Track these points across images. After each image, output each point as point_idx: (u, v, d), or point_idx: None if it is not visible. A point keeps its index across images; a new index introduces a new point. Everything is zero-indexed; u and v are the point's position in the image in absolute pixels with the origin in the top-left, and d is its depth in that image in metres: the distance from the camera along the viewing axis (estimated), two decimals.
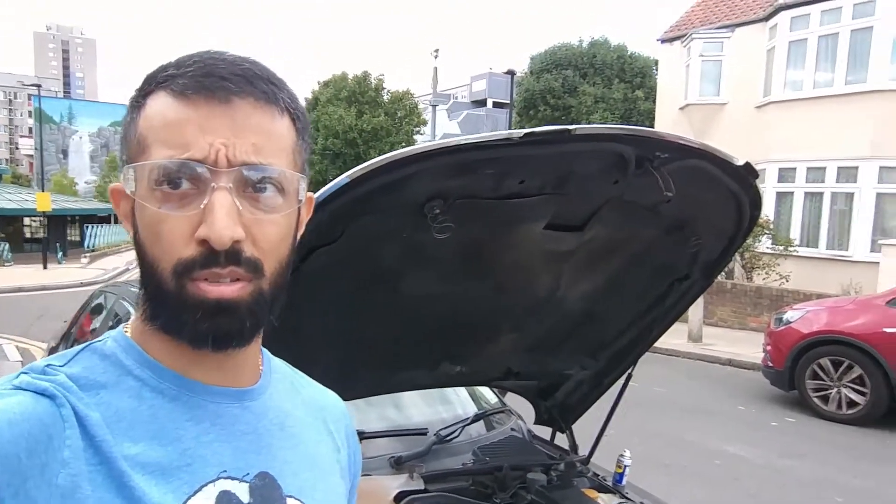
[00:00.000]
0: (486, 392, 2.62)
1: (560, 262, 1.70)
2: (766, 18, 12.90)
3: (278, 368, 0.73)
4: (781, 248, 11.49)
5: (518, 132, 1.14)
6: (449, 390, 2.45)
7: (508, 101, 20.20)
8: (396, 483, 1.74)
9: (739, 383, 7.59)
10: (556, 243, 1.60)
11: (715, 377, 7.96)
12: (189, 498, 0.56)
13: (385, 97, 28.49)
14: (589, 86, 22.30)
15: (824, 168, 11.82)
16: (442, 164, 1.17)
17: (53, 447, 0.50)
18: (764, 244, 11.64)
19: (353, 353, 1.62)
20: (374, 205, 1.19)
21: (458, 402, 2.46)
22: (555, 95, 22.45)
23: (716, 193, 1.55)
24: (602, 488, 2.05)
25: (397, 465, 1.83)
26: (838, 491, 4.50)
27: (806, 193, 12.17)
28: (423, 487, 1.77)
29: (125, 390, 0.57)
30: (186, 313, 0.56)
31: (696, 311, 9.68)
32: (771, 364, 6.54)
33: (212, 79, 0.55)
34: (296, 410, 0.71)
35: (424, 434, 2.06)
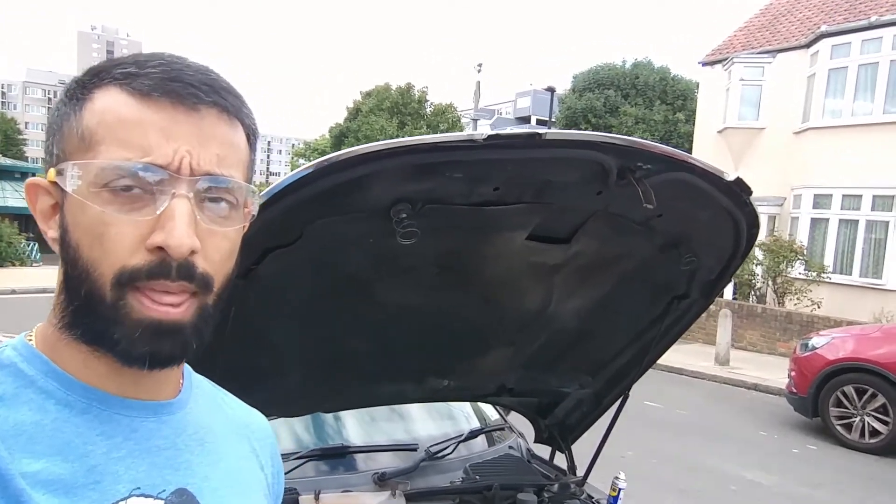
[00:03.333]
0: (489, 409, 2.49)
1: (549, 276, 1.58)
2: (808, 45, 12.58)
3: (200, 384, 0.67)
4: (814, 274, 11.02)
5: (482, 133, 1.04)
6: (453, 406, 2.33)
7: (550, 119, 20.12)
8: (377, 501, 1.63)
9: (763, 408, 7.21)
10: (541, 256, 1.48)
11: (739, 402, 7.58)
12: None
13: (428, 110, 28.48)
14: (630, 106, 22.05)
15: (860, 196, 11.48)
16: (401, 164, 1.06)
17: None
18: (797, 269, 11.21)
19: (331, 363, 1.53)
20: (332, 206, 1.10)
21: (461, 417, 2.34)
22: (596, 114, 22.25)
23: (709, 210, 1.41)
24: None
25: (381, 481, 1.72)
26: None
27: (841, 220, 11.82)
28: None
29: (25, 402, 0.51)
30: (122, 330, 0.51)
31: (724, 333, 9.32)
32: (795, 390, 6.20)
33: (179, 84, 0.52)
34: (217, 426, 0.65)
35: (414, 450, 1.94)
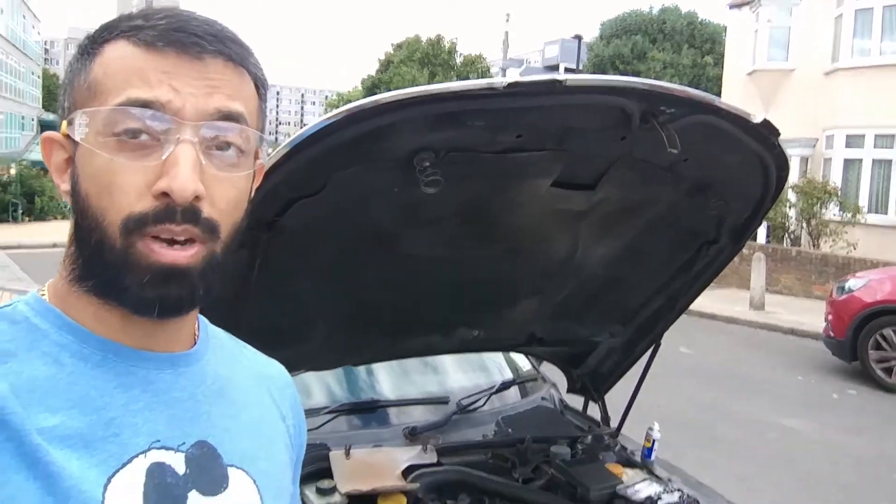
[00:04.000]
0: (522, 359, 2.47)
1: (574, 224, 1.53)
2: None
3: (216, 335, 0.66)
4: (849, 215, 10.69)
5: (502, 81, 1.00)
6: (485, 357, 2.32)
7: (577, 67, 19.87)
8: (407, 456, 1.64)
9: (800, 353, 7.08)
10: (566, 203, 1.43)
11: (775, 347, 7.46)
12: (116, 472, 0.49)
13: (458, 60, 28.36)
14: (658, 51, 21.58)
15: (893, 135, 11.20)
16: (424, 112, 1.04)
17: None
18: (831, 211, 10.89)
19: (357, 316, 1.52)
20: (357, 155, 1.08)
21: (493, 368, 2.33)
22: (624, 61, 21.89)
23: (737, 154, 1.36)
24: (629, 463, 1.88)
25: (411, 436, 1.73)
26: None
27: (874, 160, 11.54)
28: (436, 461, 1.66)
29: (39, 357, 0.51)
30: (131, 276, 0.50)
31: (758, 277, 9.14)
32: (832, 334, 6.08)
33: (184, 34, 0.51)
34: (236, 377, 0.64)
35: (445, 403, 1.94)
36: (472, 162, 1.16)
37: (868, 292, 5.89)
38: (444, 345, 1.77)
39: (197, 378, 0.58)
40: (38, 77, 42.05)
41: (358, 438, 1.66)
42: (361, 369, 1.90)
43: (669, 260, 1.78)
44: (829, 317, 6.17)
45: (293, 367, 1.58)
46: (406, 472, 1.58)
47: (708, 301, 7.79)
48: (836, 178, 11.60)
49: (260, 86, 0.57)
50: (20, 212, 16.23)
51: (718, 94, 14.31)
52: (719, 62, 19.42)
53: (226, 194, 0.53)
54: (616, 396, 2.16)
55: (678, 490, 1.67)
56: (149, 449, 0.52)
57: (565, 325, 1.94)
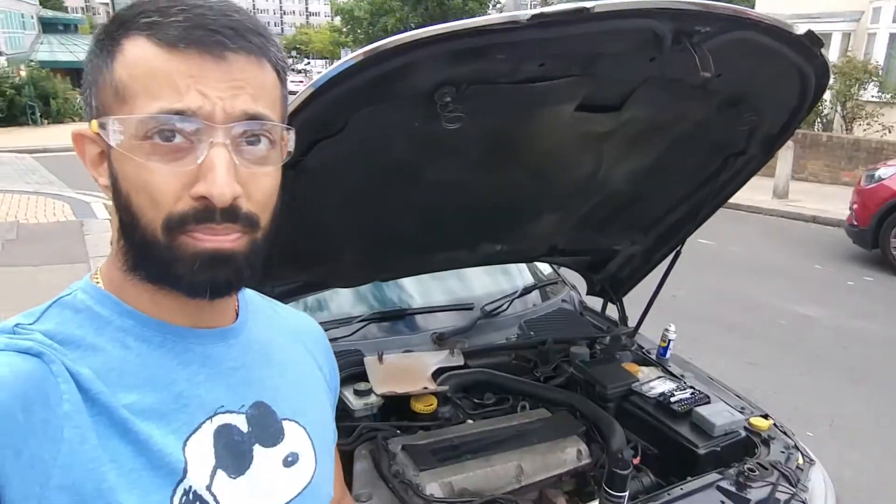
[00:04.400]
0: (544, 265, 2.54)
1: (598, 144, 1.51)
2: None
3: (252, 301, 0.72)
4: (889, 95, 10.06)
5: (525, 14, 0.95)
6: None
7: None
8: (436, 359, 1.76)
9: (821, 242, 7.06)
10: (590, 125, 1.40)
11: (796, 235, 7.44)
12: (191, 435, 0.56)
13: None
14: None
15: None
16: (444, 51, 1.01)
17: (51, 403, 0.49)
18: (870, 92, 10.24)
19: (384, 240, 1.57)
20: (376, 94, 1.07)
21: (516, 274, 2.41)
22: None
23: (775, 66, 1.28)
24: (645, 362, 1.99)
25: (439, 341, 1.84)
26: None
27: None
28: (462, 363, 1.78)
29: (108, 342, 0.55)
30: (182, 266, 0.54)
31: (783, 165, 8.88)
32: (855, 222, 6.00)
33: (203, 32, 0.52)
34: (277, 339, 0.70)
35: (470, 309, 2.04)
36: (493, 93, 1.14)
37: None
38: (468, 259, 1.83)
39: (245, 347, 0.64)
40: None
41: (389, 345, 1.78)
42: (390, 281, 1.98)
43: (695, 173, 1.76)
44: (854, 206, 6.05)
45: (326, 284, 1.68)
46: (435, 375, 1.71)
47: None
48: (879, 56, 10.74)
49: (280, 71, 0.58)
50: (38, 114, 16.11)
51: None
52: None
53: (261, 187, 0.55)
54: (635, 296, 2.24)
55: (690, 387, 1.78)
56: (214, 414, 0.58)
57: (587, 236, 1.97)
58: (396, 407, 1.64)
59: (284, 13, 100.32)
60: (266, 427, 0.63)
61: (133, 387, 0.54)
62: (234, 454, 0.59)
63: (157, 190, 0.52)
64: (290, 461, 0.64)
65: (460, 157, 1.35)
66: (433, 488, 1.34)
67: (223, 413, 0.59)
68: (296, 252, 1.42)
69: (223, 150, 0.52)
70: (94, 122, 0.54)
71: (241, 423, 0.60)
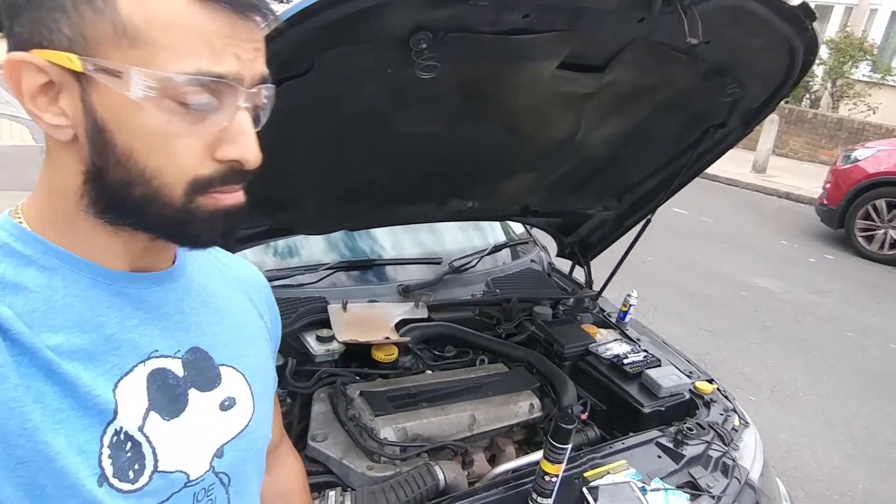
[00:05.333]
0: (517, 224, 2.54)
1: (578, 105, 1.48)
2: None
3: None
4: (880, 76, 10.11)
5: None
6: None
7: None
8: (400, 311, 1.76)
9: (791, 219, 7.21)
10: (571, 85, 1.37)
11: (767, 211, 7.57)
12: (122, 378, 0.54)
13: None
14: None
15: None
16: None
17: None
18: (861, 71, 10.26)
19: (352, 186, 1.53)
20: (345, 35, 1.00)
21: (488, 231, 2.41)
22: None
23: (763, 38, 1.25)
24: (604, 324, 2.03)
25: (405, 293, 1.84)
26: (851, 327, 4.43)
27: None
28: (426, 316, 1.79)
29: (31, 281, 0.52)
30: (201, 224, 0.54)
31: (766, 139, 8.96)
32: (826, 202, 6.14)
33: None
34: (216, 286, 0.69)
35: (438, 263, 2.04)
36: (472, 43, 1.08)
37: (873, 163, 5.82)
38: (437, 214, 1.81)
39: (182, 292, 0.63)
40: None
41: (355, 293, 1.78)
42: (360, 231, 1.96)
43: (674, 141, 1.75)
44: (827, 185, 6.17)
45: (291, 230, 1.66)
46: (398, 326, 1.72)
47: None
48: (877, 34, 10.73)
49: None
50: None
51: None
52: None
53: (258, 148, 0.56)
54: (604, 260, 2.27)
55: (644, 351, 1.83)
56: (148, 358, 0.57)
57: (560, 198, 1.97)
58: (358, 354, 1.65)
59: None
60: (203, 372, 0.62)
61: (59, 328, 0.52)
62: (168, 397, 0.58)
63: (178, 152, 0.50)
64: (227, 405, 0.64)
65: (433, 107, 1.31)
66: (387, 433, 1.37)
67: (157, 357, 0.58)
68: (259, 196, 1.38)
69: (247, 114, 0.52)
70: (73, 57, 0.48)
71: (176, 367, 0.60)
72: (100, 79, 0.48)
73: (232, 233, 0.56)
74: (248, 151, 0.52)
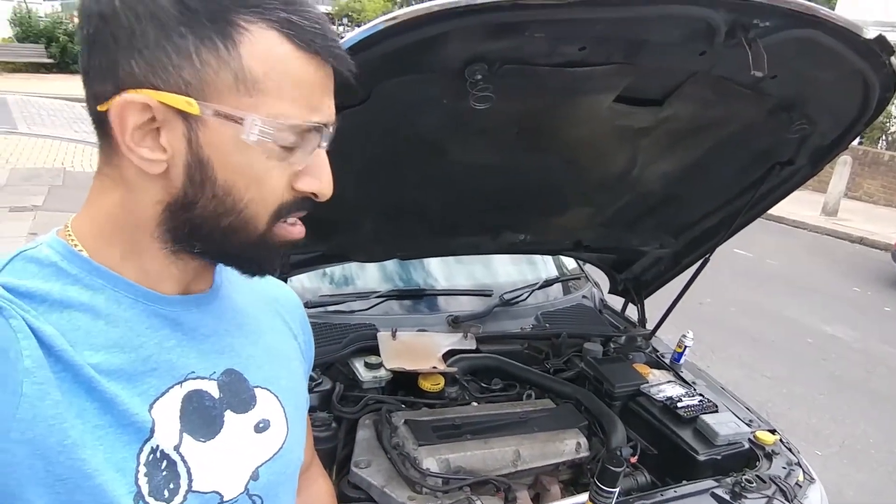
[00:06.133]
0: (569, 259, 2.50)
1: (635, 139, 1.45)
2: None
3: (226, 267, 0.70)
4: None
5: None
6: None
7: None
8: (448, 341, 1.75)
9: (864, 265, 6.79)
10: (629, 119, 1.35)
11: (838, 255, 7.16)
12: (158, 399, 0.55)
13: None
14: None
15: None
16: (478, 23, 0.95)
17: (10, 358, 0.47)
18: None
19: (405, 216, 1.55)
20: (402, 65, 1.02)
21: (539, 264, 2.38)
22: None
23: (835, 72, 1.19)
24: (657, 365, 1.95)
25: (454, 323, 1.83)
26: None
27: None
28: (474, 347, 1.78)
29: (76, 299, 0.53)
30: (276, 254, 0.59)
31: (837, 181, 8.54)
32: None
33: (324, 40, 0.53)
34: (251, 307, 0.70)
35: (489, 296, 2.03)
36: (527, 75, 1.08)
37: None
38: (490, 246, 1.80)
39: (218, 314, 0.64)
40: None
41: (405, 322, 1.78)
42: (412, 260, 1.98)
43: (736, 179, 1.69)
44: None
45: (345, 257, 1.69)
46: (446, 356, 1.71)
47: None
48: None
49: None
50: None
51: None
52: None
53: None
54: (657, 299, 2.20)
55: (699, 395, 1.74)
56: (185, 380, 0.58)
57: (614, 234, 1.93)
58: (404, 383, 1.64)
59: None
60: (238, 393, 0.63)
61: (100, 347, 0.53)
62: (204, 419, 0.59)
63: (272, 185, 0.54)
64: (262, 427, 0.64)
65: (488, 138, 1.31)
66: (430, 463, 1.35)
67: (194, 379, 0.59)
68: (314, 220, 1.41)
69: (324, 152, 0.57)
70: (193, 102, 0.50)
71: (212, 389, 0.60)
72: (215, 122, 0.51)
73: (286, 262, 0.60)
74: (327, 186, 0.57)
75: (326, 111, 0.55)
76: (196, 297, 0.62)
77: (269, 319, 0.72)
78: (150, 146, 0.52)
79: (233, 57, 0.50)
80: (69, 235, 0.57)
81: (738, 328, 4.62)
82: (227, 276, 0.68)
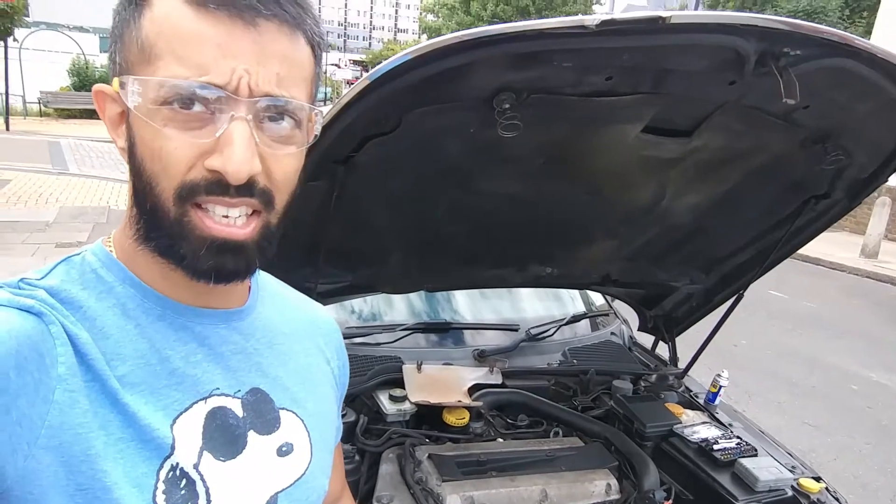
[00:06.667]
0: (597, 295, 2.46)
1: (663, 170, 1.43)
2: None
3: (266, 285, 0.69)
4: None
5: (594, 18, 0.89)
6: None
7: None
8: (474, 375, 1.72)
9: None
10: (657, 149, 1.33)
11: (880, 298, 6.88)
12: (181, 414, 0.54)
13: None
14: None
15: None
16: (505, 52, 0.96)
17: (46, 364, 0.47)
18: None
19: (431, 247, 1.54)
20: (432, 94, 1.04)
21: (567, 299, 2.34)
22: None
23: (872, 102, 1.15)
24: (691, 405, 1.87)
25: (480, 357, 1.80)
26: None
27: None
28: (500, 382, 1.73)
29: (109, 308, 0.54)
30: (187, 246, 0.51)
31: (877, 223, 8.29)
32: None
33: None
34: (284, 327, 0.68)
35: (515, 330, 1.99)
36: (555, 104, 1.09)
37: None
38: (516, 279, 1.78)
39: (248, 331, 0.62)
40: None
41: (430, 355, 1.75)
42: (437, 292, 1.97)
43: (768, 212, 1.64)
44: None
45: (371, 287, 1.69)
46: (471, 390, 1.67)
47: (812, 244, 7.22)
48: None
49: (315, 47, 0.54)
50: None
51: (876, 3, 11.97)
52: None
53: (281, 167, 0.52)
54: (688, 338, 2.12)
55: (737, 437, 1.66)
56: (209, 395, 0.56)
57: (643, 268, 1.88)
58: (429, 416, 1.61)
59: (374, 28, 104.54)
60: (262, 414, 0.60)
61: (127, 357, 0.52)
62: (226, 437, 0.57)
63: (171, 157, 0.49)
64: (285, 451, 0.62)
65: (515, 167, 1.31)
66: (454, 500, 1.30)
67: (218, 395, 0.57)
68: (342, 250, 1.42)
69: (244, 125, 0.48)
70: (116, 81, 0.51)
71: (236, 407, 0.59)
72: (122, 96, 0.50)
73: (227, 269, 0.52)
74: (229, 163, 0.48)
75: (224, 72, 0.47)
76: (225, 313, 0.60)
77: (302, 341, 0.70)
78: (118, 133, 0.53)
79: (138, 27, 0.49)
80: (109, 243, 0.58)
81: (776, 372, 4.43)
82: (265, 294, 0.67)
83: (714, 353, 1.91)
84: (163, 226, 0.51)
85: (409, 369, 1.64)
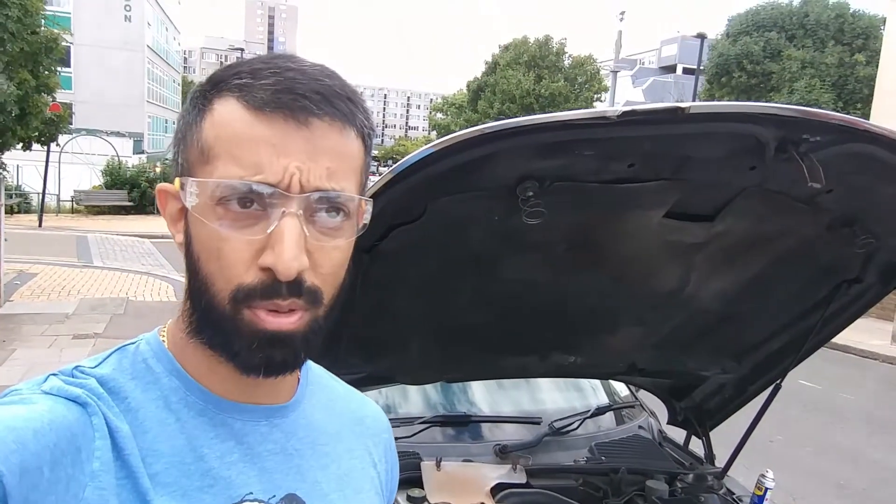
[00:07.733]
0: (620, 384, 2.35)
1: (688, 256, 1.41)
2: None
3: (316, 379, 0.67)
4: None
5: (615, 110, 0.92)
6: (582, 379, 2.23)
7: (698, 67, 18.52)
8: (497, 473, 1.61)
9: None
10: (680, 234, 1.32)
11: None
12: None
13: (566, 62, 27.65)
14: (796, 49, 19.12)
15: None
16: (528, 142, 0.98)
17: (81, 459, 0.47)
18: None
19: (453, 335, 1.50)
20: (456, 183, 1.05)
21: (589, 390, 2.24)
22: (753, 60, 19.51)
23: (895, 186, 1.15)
24: None
25: (502, 454, 1.70)
26: None
27: None
28: (524, 481, 1.62)
29: (152, 400, 0.53)
30: (241, 341, 0.51)
31: None
32: None
33: (291, 96, 0.49)
34: (330, 426, 0.64)
35: (538, 423, 1.89)
36: (578, 192, 1.10)
37: None
38: (539, 368, 1.72)
39: (290, 430, 0.59)
40: (178, 84, 45.28)
41: (449, 451, 1.66)
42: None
43: (799, 297, 1.59)
44: None
45: (391, 378, 1.63)
46: (494, 490, 1.56)
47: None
48: None
49: (366, 138, 0.55)
50: None
51: (869, 96, 12.46)
52: (873, 60, 16.83)
53: (330, 259, 0.52)
54: (722, 430, 1.99)
55: None
56: (241, 501, 0.53)
57: (670, 356, 1.81)
58: None
59: (386, 126, 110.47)
60: None
61: (163, 454, 0.51)
62: None
63: (228, 258, 0.50)
64: None
65: (538, 254, 1.30)
66: None
67: (250, 501, 0.54)
68: (363, 339, 1.38)
69: (294, 221, 0.49)
70: (177, 181, 0.53)
71: None
72: (181, 196, 0.52)
73: (276, 361, 0.52)
74: (280, 260, 0.48)
75: (277, 170, 0.49)
76: (267, 409, 0.58)
77: (348, 442, 0.65)
78: (177, 229, 0.55)
79: (199, 131, 0.52)
80: (163, 333, 0.58)
81: (819, 472, 4.13)
82: (313, 389, 0.64)
83: (747, 449, 1.79)
84: (215, 322, 0.52)
85: (427, 467, 1.55)
